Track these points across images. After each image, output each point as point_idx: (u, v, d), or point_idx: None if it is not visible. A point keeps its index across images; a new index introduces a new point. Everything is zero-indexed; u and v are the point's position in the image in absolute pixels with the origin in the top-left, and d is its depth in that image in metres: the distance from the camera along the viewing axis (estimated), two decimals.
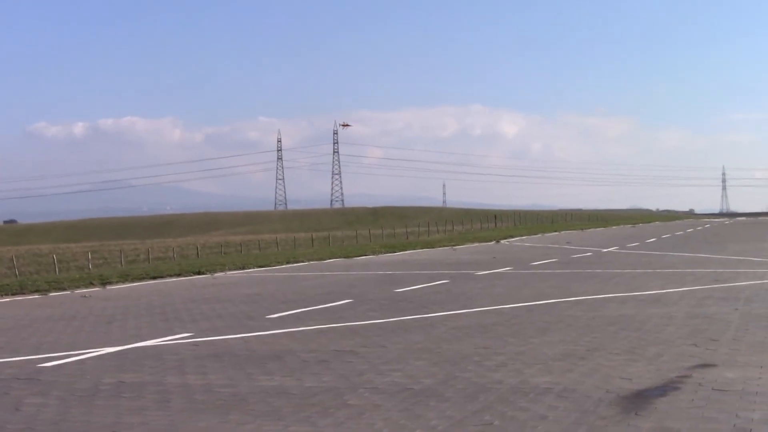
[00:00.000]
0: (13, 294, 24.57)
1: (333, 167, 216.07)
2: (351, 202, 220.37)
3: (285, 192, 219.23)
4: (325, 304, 19.12)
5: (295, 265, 35.91)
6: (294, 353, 12.52)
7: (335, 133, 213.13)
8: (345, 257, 40.47)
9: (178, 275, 30.49)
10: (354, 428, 8.09)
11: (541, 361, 11.11)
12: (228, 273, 31.43)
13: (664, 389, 9.17)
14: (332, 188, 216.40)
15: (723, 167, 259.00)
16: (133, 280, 28.63)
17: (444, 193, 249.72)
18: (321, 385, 10.14)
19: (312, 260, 38.57)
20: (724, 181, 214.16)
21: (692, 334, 12.94)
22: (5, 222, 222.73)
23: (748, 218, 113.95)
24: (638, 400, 8.72)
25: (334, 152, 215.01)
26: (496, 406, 8.69)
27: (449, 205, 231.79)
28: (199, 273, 31.00)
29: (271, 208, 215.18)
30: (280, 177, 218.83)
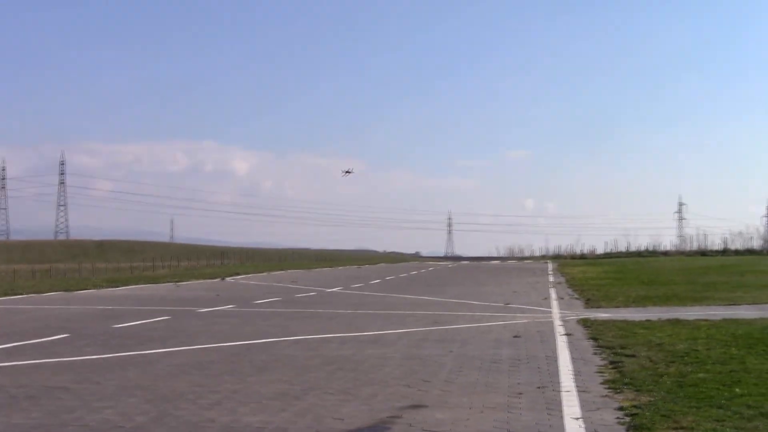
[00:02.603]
0: None
1: (59, 198, 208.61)
2: (77, 234, 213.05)
3: (8, 222, 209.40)
4: (40, 338, 18.49)
5: (12, 297, 34.45)
6: (2, 389, 12.04)
7: (62, 163, 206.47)
8: (66, 290, 39.22)
9: None
10: None
11: (255, 399, 11.19)
12: None
13: (374, 430, 9.40)
14: (57, 219, 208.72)
15: (449, 211, 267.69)
16: None
17: (172, 228, 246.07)
18: (29, 422, 9.82)
19: (31, 293, 37.15)
20: (450, 225, 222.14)
21: (407, 374, 13.27)
22: None
23: (472, 262, 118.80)
24: None
25: (60, 183, 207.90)
26: None
27: (177, 240, 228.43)
28: None
29: None
30: (3, 206, 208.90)
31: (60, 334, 19.28)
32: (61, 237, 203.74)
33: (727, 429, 8.88)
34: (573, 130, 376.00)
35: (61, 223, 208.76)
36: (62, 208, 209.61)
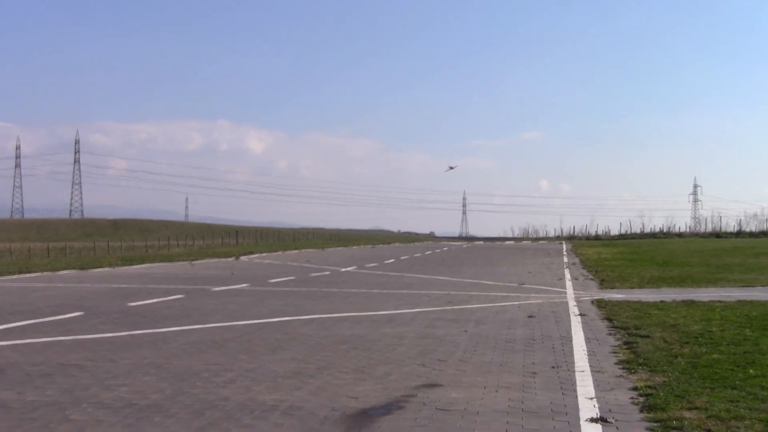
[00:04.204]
0: None
1: (74, 177, 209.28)
2: (92, 213, 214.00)
3: (22, 200, 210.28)
4: (55, 316, 18.57)
5: (27, 275, 34.61)
6: (17, 366, 12.12)
7: (77, 142, 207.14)
8: (81, 269, 39.34)
9: None
10: None
11: (270, 378, 11.22)
12: None
13: (389, 408, 9.40)
14: (72, 198, 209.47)
15: (464, 192, 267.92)
16: None
17: (186, 207, 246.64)
18: (43, 399, 9.87)
19: (46, 271, 37.30)
20: (464, 205, 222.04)
21: (421, 354, 13.28)
22: None
23: (486, 242, 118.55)
24: (363, 418, 8.93)
25: (75, 162, 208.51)
26: (222, 422, 8.74)
27: (192, 219, 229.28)
28: None
29: (7, 216, 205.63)
30: (18, 185, 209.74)
31: (74, 312, 19.36)
32: (76, 215, 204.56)
33: (741, 410, 8.86)
34: (588, 112, 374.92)
35: (76, 201, 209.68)
36: (77, 186, 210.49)
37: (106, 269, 39.66)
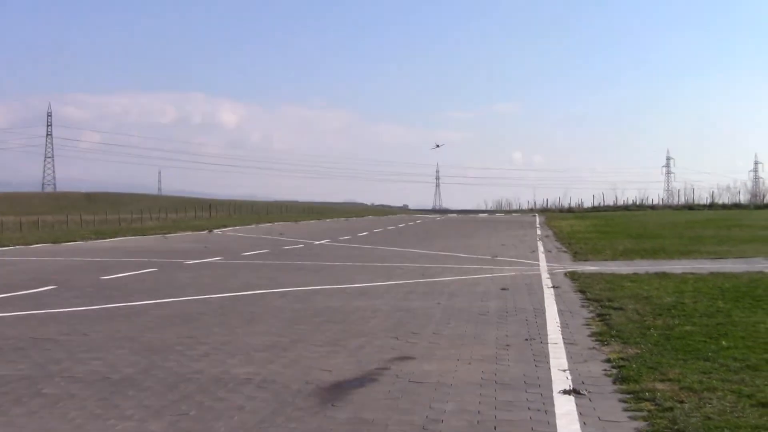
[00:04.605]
0: None
1: (46, 150, 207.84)
2: (65, 186, 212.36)
3: None
4: (28, 290, 18.47)
5: None
6: None
7: (49, 115, 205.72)
8: (53, 243, 39.12)
9: None
10: (47, 418, 7.92)
11: (243, 351, 11.20)
12: None
13: (362, 381, 9.42)
14: (44, 171, 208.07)
15: (437, 164, 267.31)
16: None
17: (160, 181, 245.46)
18: (15, 373, 9.82)
19: (18, 245, 37.09)
20: (437, 178, 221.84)
21: (395, 327, 13.30)
22: None
23: (459, 215, 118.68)
24: (336, 391, 8.93)
25: (47, 135, 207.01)
26: (195, 396, 8.73)
27: (165, 192, 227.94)
28: None
29: None
30: None
31: (47, 286, 19.26)
32: (48, 189, 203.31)
33: (714, 381, 8.92)
34: (561, 83, 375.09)
35: (48, 175, 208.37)
36: (49, 160, 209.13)
37: (79, 243, 39.46)
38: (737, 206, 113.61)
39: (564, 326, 13.20)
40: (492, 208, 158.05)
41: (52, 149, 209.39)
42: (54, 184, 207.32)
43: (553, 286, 18.82)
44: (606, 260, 26.51)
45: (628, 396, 8.54)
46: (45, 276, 21.93)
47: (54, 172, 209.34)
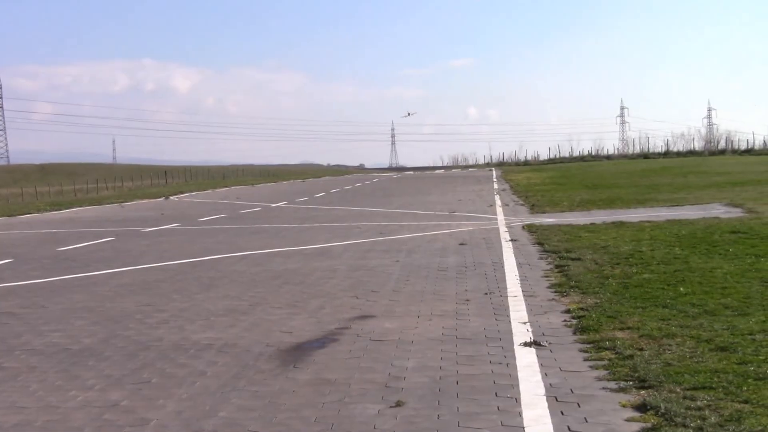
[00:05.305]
0: None
1: None
2: (18, 159, 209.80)
3: None
4: None
5: None
6: None
7: None
8: (8, 215, 38.67)
9: None
10: (8, 391, 7.86)
11: (203, 317, 11.17)
12: None
13: (323, 341, 9.42)
14: None
15: (392, 122, 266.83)
16: None
17: (114, 149, 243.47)
18: None
19: None
20: (393, 136, 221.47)
21: (354, 286, 13.32)
22: None
23: (416, 172, 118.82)
24: (297, 352, 8.94)
25: None
26: (156, 363, 8.69)
27: (120, 161, 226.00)
28: None
29: None
30: None
31: (4, 260, 19.07)
32: (2, 162, 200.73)
33: (673, 327, 9.01)
34: (516, 37, 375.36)
35: (1, 148, 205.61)
36: (1, 132, 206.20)
37: (35, 215, 39.05)
38: (692, 153, 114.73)
39: (523, 279, 13.27)
40: (448, 164, 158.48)
41: (4, 122, 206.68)
42: (8, 158, 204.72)
43: (512, 240, 18.90)
44: (563, 212, 26.67)
45: (588, 346, 8.61)
46: (1, 249, 21.70)
47: (7, 144, 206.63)
